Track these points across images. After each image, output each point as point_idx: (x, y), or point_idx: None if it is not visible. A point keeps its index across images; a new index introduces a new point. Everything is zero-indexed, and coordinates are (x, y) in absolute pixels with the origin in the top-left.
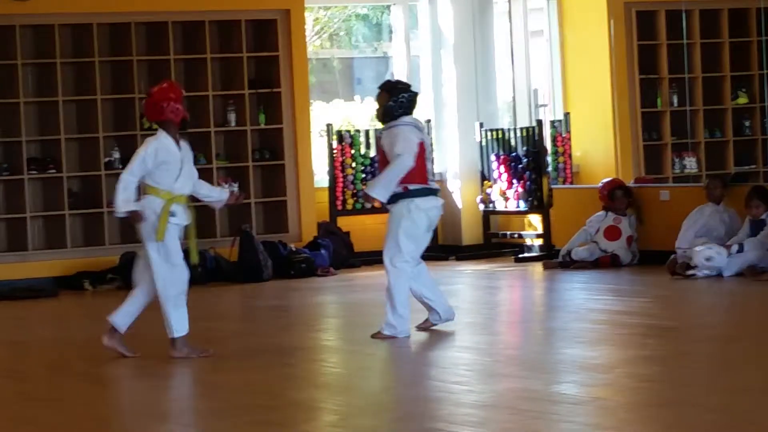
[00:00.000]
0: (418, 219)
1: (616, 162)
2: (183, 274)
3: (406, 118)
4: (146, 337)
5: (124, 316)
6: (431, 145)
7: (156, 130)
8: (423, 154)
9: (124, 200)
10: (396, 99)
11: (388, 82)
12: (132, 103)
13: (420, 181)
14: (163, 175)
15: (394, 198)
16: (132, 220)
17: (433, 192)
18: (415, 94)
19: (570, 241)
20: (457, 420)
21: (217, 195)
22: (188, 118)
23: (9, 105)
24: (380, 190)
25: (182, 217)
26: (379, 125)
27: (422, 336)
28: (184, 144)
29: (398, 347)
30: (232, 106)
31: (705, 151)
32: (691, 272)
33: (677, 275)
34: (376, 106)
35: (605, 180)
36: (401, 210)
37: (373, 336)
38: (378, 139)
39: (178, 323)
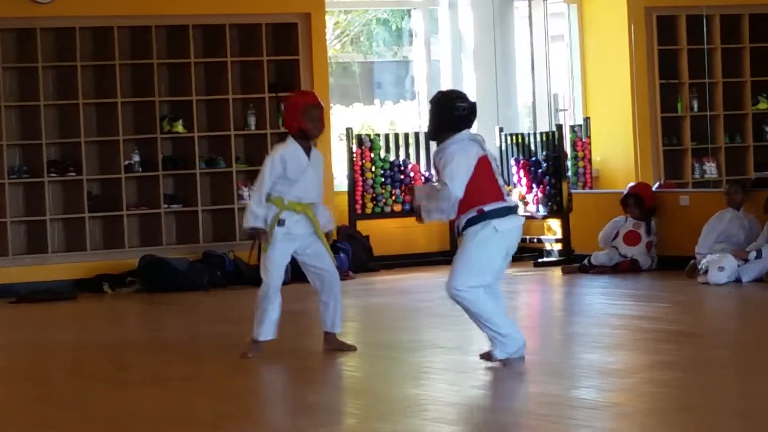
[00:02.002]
0: (494, 244)
1: (636, 167)
2: (270, 278)
3: (461, 134)
4: (165, 341)
5: (332, 318)
6: (495, 159)
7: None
8: (488, 169)
9: (252, 214)
10: (448, 112)
11: (439, 93)
12: (152, 106)
13: (494, 198)
14: (283, 183)
15: (470, 223)
16: (255, 237)
17: (511, 210)
18: (472, 105)
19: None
20: (474, 425)
21: (323, 221)
22: (307, 129)
23: (29, 107)
24: (425, 212)
25: (297, 226)
26: (402, 131)
27: (441, 341)
28: (316, 153)
29: (417, 352)
30: (252, 110)
31: (725, 156)
32: (703, 280)
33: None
34: (428, 122)
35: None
36: (475, 233)
37: (483, 356)
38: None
39: (258, 327)
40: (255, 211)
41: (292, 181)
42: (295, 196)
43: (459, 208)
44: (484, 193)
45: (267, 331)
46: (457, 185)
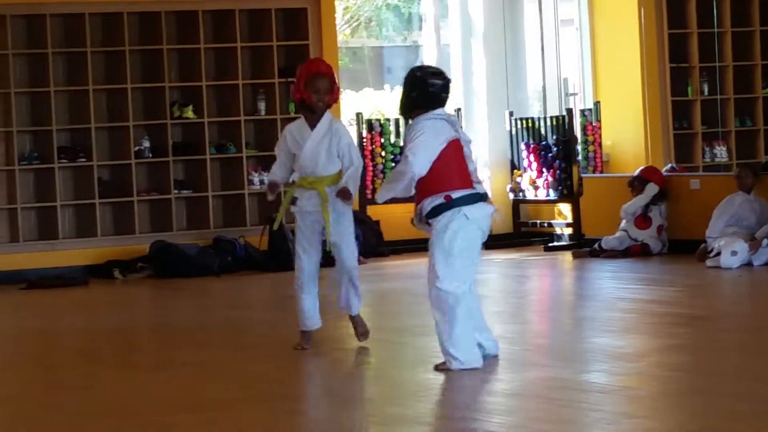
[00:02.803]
0: (469, 232)
1: (647, 151)
2: (300, 263)
3: (435, 112)
4: (175, 326)
5: (343, 298)
6: (470, 142)
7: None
8: (460, 153)
9: (269, 174)
10: (421, 88)
11: (413, 68)
12: (162, 92)
13: (462, 185)
14: (293, 159)
15: (436, 211)
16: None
17: (481, 198)
18: (447, 83)
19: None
20: (486, 408)
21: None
22: (310, 101)
23: (40, 94)
24: (382, 191)
25: (308, 203)
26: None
27: None
28: (326, 125)
29: (427, 337)
30: (262, 95)
31: (735, 140)
32: (711, 264)
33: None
34: (400, 97)
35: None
36: (446, 224)
37: (437, 368)
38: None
39: (300, 318)
40: (271, 171)
41: (298, 156)
42: (301, 171)
43: (423, 192)
44: (451, 179)
45: (309, 320)
46: (419, 161)
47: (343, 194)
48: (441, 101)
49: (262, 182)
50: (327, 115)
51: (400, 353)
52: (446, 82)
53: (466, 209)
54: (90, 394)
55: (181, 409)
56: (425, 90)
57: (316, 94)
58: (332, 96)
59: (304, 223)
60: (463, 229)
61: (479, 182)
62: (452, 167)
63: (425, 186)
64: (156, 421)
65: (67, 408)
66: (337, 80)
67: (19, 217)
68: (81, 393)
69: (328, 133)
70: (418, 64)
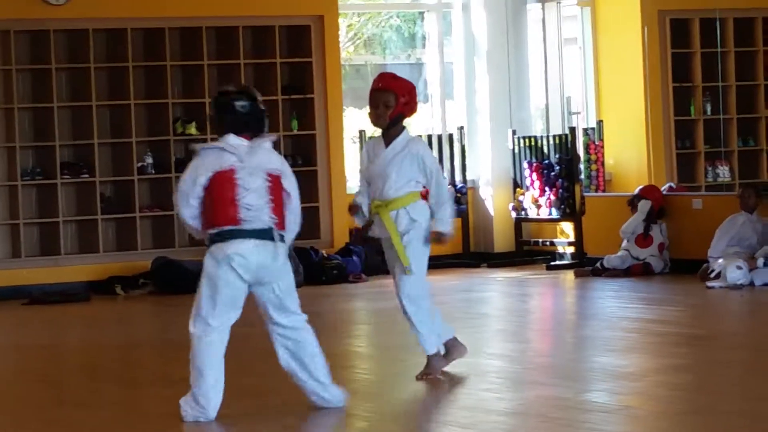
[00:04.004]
0: (217, 272)
1: (649, 170)
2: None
3: (223, 139)
4: (177, 342)
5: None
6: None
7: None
8: (229, 185)
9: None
10: (223, 110)
11: (219, 90)
12: (165, 108)
13: (224, 221)
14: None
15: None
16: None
17: (243, 234)
18: (253, 105)
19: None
20: (486, 428)
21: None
22: (373, 120)
23: (43, 109)
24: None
25: (377, 228)
26: (415, 134)
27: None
28: (401, 144)
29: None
30: (266, 112)
31: (738, 159)
32: (711, 285)
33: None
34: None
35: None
36: (203, 266)
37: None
38: None
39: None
40: (356, 193)
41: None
42: (373, 193)
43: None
44: (216, 215)
45: (431, 343)
46: (177, 198)
47: (437, 239)
48: (247, 125)
49: None
50: (405, 134)
51: (400, 371)
52: (251, 104)
53: (213, 248)
54: (92, 410)
55: (183, 424)
56: (227, 113)
57: (374, 110)
58: (395, 109)
59: (384, 249)
60: (208, 270)
61: (255, 216)
62: (218, 201)
63: (203, 225)
64: None
65: (68, 423)
66: (414, 91)
67: (21, 232)
68: (82, 408)
69: (402, 153)
70: (420, 82)
